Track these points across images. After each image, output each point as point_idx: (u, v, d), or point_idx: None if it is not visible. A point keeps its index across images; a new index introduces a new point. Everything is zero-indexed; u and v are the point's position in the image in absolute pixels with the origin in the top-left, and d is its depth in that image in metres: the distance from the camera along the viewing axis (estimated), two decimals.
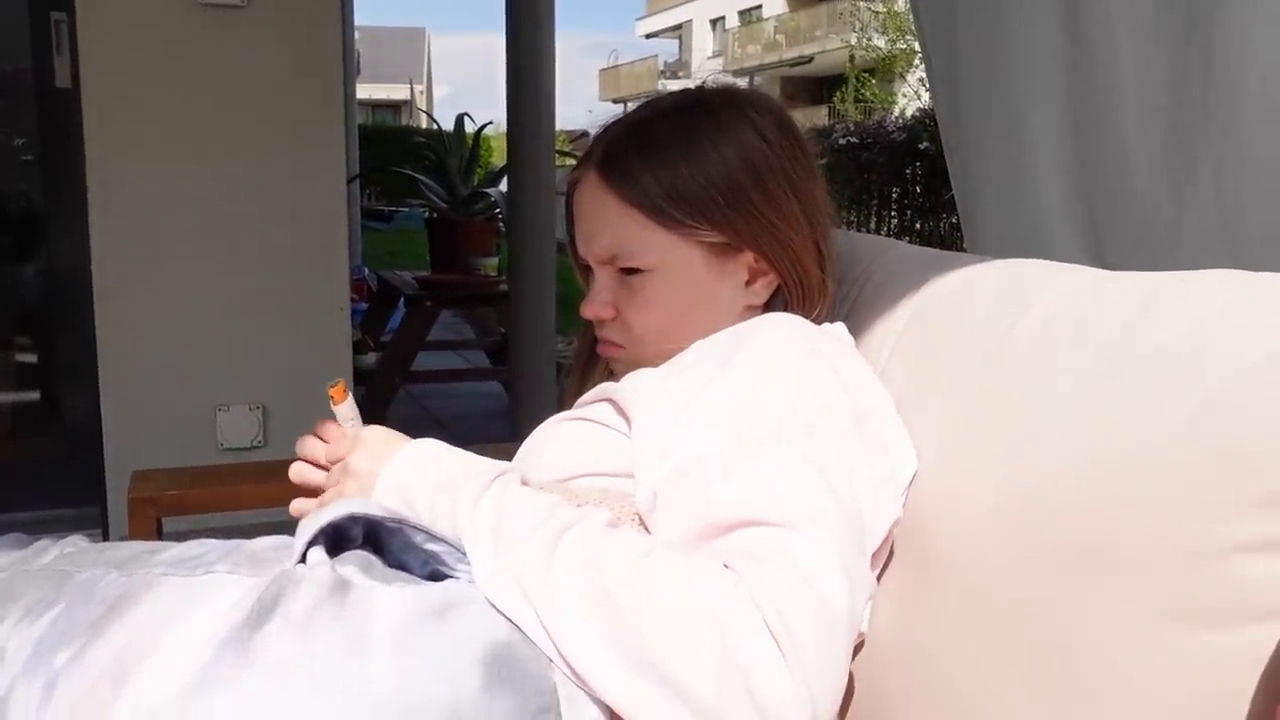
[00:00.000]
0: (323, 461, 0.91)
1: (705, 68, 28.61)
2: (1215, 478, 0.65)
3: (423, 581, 0.75)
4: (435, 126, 5.48)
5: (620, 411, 0.91)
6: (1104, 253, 1.32)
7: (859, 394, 0.87)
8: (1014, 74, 1.41)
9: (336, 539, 0.76)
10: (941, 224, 10.56)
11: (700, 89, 1.03)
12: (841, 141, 11.71)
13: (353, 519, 0.76)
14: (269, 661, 0.66)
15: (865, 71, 19.95)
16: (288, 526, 0.85)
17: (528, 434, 1.02)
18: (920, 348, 0.96)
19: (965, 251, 1.25)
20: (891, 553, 0.88)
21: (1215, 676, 0.65)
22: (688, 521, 0.75)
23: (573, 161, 1.45)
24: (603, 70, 40.28)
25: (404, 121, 24.70)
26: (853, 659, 0.73)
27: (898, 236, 8.81)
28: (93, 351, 2.49)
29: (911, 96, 17.16)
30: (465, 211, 4.50)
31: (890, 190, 11.51)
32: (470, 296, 4.34)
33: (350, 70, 5.72)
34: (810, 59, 26.29)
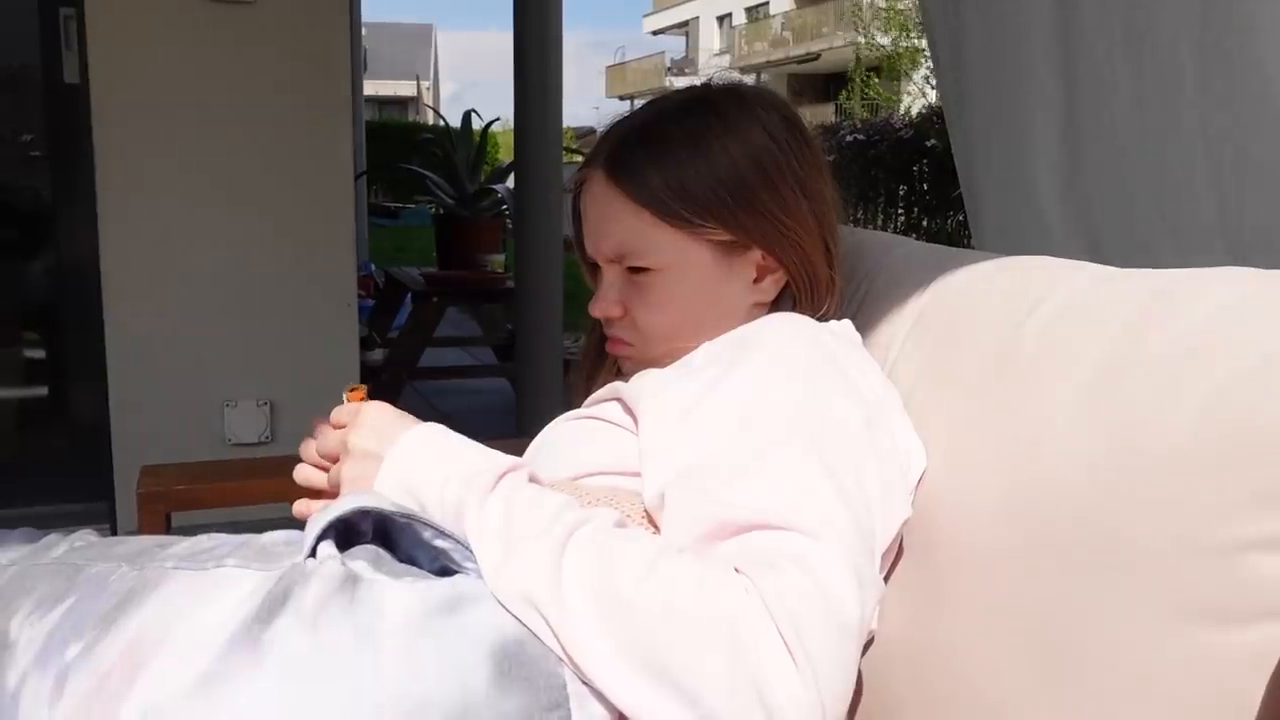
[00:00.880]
0: (324, 463, 0.90)
1: (712, 64, 28.57)
2: (1226, 474, 0.65)
3: (433, 577, 0.74)
4: (442, 123, 5.47)
5: (629, 411, 0.91)
6: (1100, 247, 1.33)
7: (867, 393, 0.86)
8: (1017, 74, 1.41)
9: (346, 533, 0.76)
10: (949, 221, 10.54)
11: (707, 86, 1.02)
12: (848, 139, 11.70)
13: (363, 513, 0.76)
14: (279, 655, 0.66)
15: (870, 70, 19.91)
16: (296, 521, 0.85)
17: (534, 431, 1.02)
18: (928, 345, 0.96)
19: (972, 249, 1.25)
20: (900, 550, 0.88)
21: (1225, 674, 0.65)
22: (696, 523, 0.75)
23: (580, 158, 1.45)
24: (609, 67, 40.28)
25: (411, 118, 24.68)
26: (861, 656, 0.73)
27: (904, 234, 8.80)
28: (101, 347, 2.49)
29: (916, 94, 17.12)
30: (472, 208, 4.50)
31: (897, 187, 11.49)
32: (477, 293, 4.33)
33: (358, 66, 5.72)
34: (817, 56, 26.23)
